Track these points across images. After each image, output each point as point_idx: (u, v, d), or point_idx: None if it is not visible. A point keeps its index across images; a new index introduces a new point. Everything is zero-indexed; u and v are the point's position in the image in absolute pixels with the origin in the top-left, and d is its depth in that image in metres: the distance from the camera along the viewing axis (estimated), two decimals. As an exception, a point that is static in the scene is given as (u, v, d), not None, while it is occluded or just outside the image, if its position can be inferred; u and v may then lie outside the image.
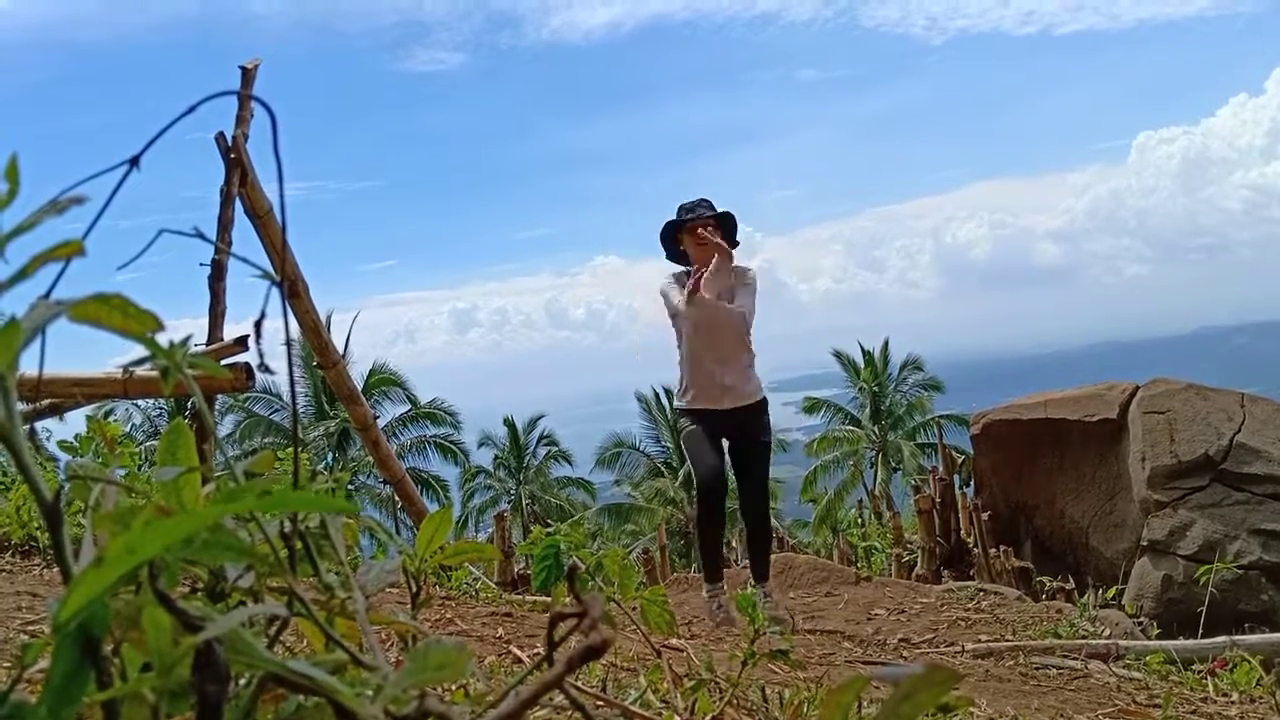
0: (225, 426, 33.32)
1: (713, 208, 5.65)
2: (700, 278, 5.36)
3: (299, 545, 0.82)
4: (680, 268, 5.76)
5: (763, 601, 5.69)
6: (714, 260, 5.42)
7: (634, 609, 1.83)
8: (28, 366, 0.69)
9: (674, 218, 5.72)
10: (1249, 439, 9.99)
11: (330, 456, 31.99)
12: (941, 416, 34.39)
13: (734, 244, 5.70)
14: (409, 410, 36.66)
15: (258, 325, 0.85)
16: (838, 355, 40.80)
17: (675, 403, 5.87)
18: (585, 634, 0.67)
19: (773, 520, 6.13)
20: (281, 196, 0.93)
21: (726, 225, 5.67)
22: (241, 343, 4.83)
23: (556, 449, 40.91)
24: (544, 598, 4.91)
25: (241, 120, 5.58)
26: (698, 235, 5.54)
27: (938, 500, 12.64)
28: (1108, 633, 5.53)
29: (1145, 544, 10.08)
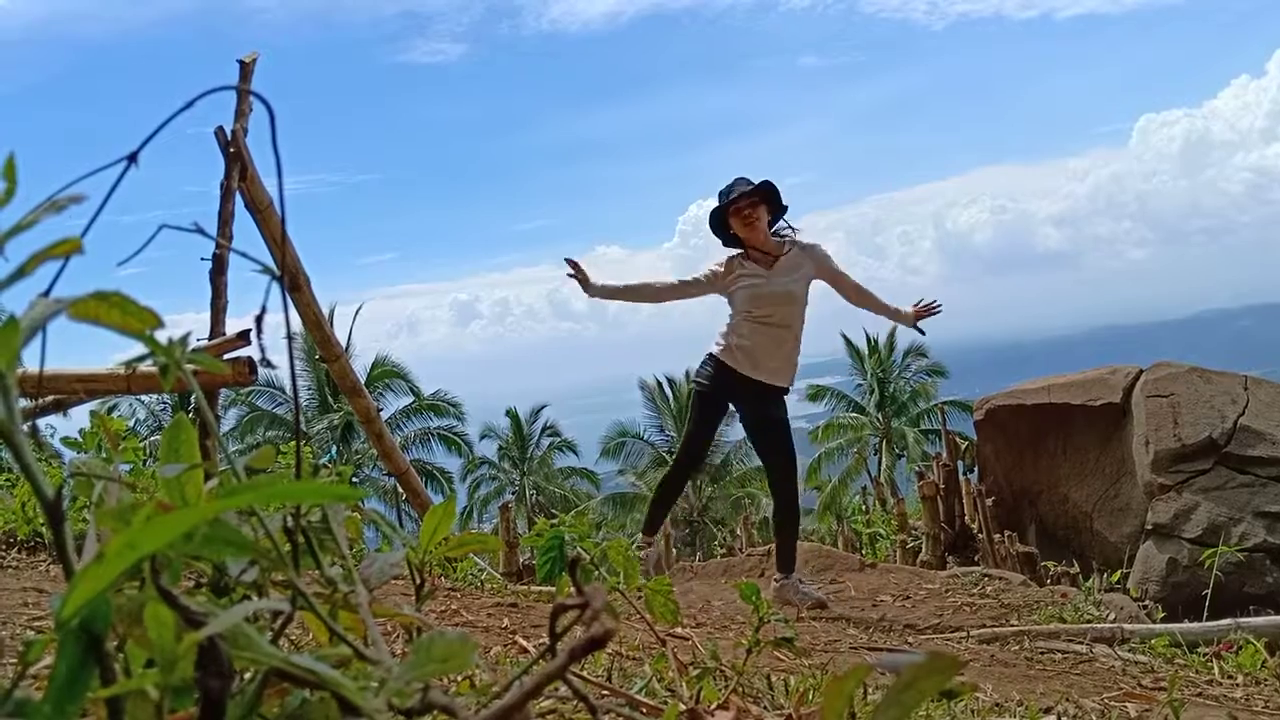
0: (229, 421, 33.38)
1: (750, 183, 5.66)
2: None
3: (301, 539, 0.83)
4: (735, 250, 5.79)
5: (799, 588, 5.75)
6: None
7: (638, 598, 1.84)
8: (30, 363, 0.69)
9: (718, 204, 5.76)
10: (1253, 421, 9.98)
11: (334, 450, 32.03)
12: (945, 402, 34.38)
13: (782, 208, 5.78)
14: (412, 402, 36.73)
15: (259, 319, 0.85)
16: (846, 340, 40.82)
17: (711, 348, 5.84)
18: (588, 625, 0.68)
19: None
20: (281, 190, 0.93)
21: (768, 195, 5.70)
22: (244, 337, 4.83)
23: (560, 439, 40.98)
24: (549, 588, 4.92)
25: (240, 114, 5.57)
26: (743, 216, 5.61)
27: (942, 486, 12.64)
28: (1112, 616, 5.53)
29: (1150, 527, 10.08)
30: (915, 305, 6.00)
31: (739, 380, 5.70)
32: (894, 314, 6.05)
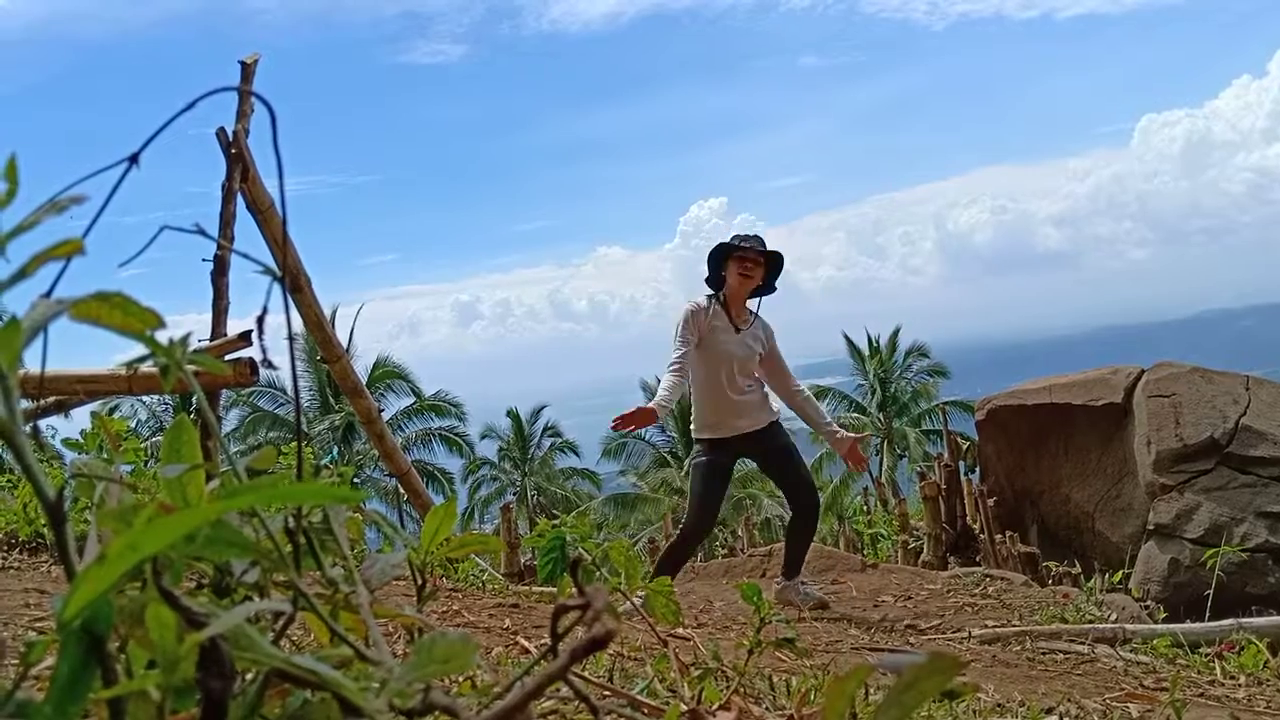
0: (230, 421, 33.40)
1: (764, 244, 5.69)
2: None
3: (303, 540, 0.83)
4: (706, 295, 5.77)
5: (800, 588, 5.76)
6: None
7: (640, 599, 1.84)
8: (32, 364, 0.69)
9: (728, 242, 5.76)
10: (1254, 422, 9.97)
11: (335, 450, 32.03)
12: (946, 403, 34.35)
13: (772, 287, 5.82)
14: (413, 403, 36.73)
15: (260, 320, 0.85)
16: (848, 340, 40.86)
17: (694, 431, 5.86)
18: (590, 625, 0.68)
19: (782, 510, 6.16)
20: (282, 191, 0.93)
21: (772, 263, 5.75)
22: (245, 338, 4.83)
23: (562, 440, 40.96)
24: (550, 589, 4.92)
25: (242, 115, 5.57)
26: (745, 266, 5.61)
27: (943, 486, 12.63)
28: (1114, 617, 5.53)
29: (1151, 528, 10.07)
30: (855, 435, 5.98)
31: (737, 442, 5.73)
32: (827, 433, 6.00)
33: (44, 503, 0.66)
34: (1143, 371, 11.18)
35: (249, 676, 0.73)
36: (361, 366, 32.52)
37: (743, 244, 5.67)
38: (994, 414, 12.34)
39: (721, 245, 5.76)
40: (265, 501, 0.67)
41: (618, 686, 1.67)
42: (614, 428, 5.44)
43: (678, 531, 5.97)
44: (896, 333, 40.91)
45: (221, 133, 5.49)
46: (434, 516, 1.20)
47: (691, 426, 5.90)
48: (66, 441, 5.58)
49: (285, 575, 0.79)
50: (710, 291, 5.79)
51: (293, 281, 5.85)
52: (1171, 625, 5.14)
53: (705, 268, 5.85)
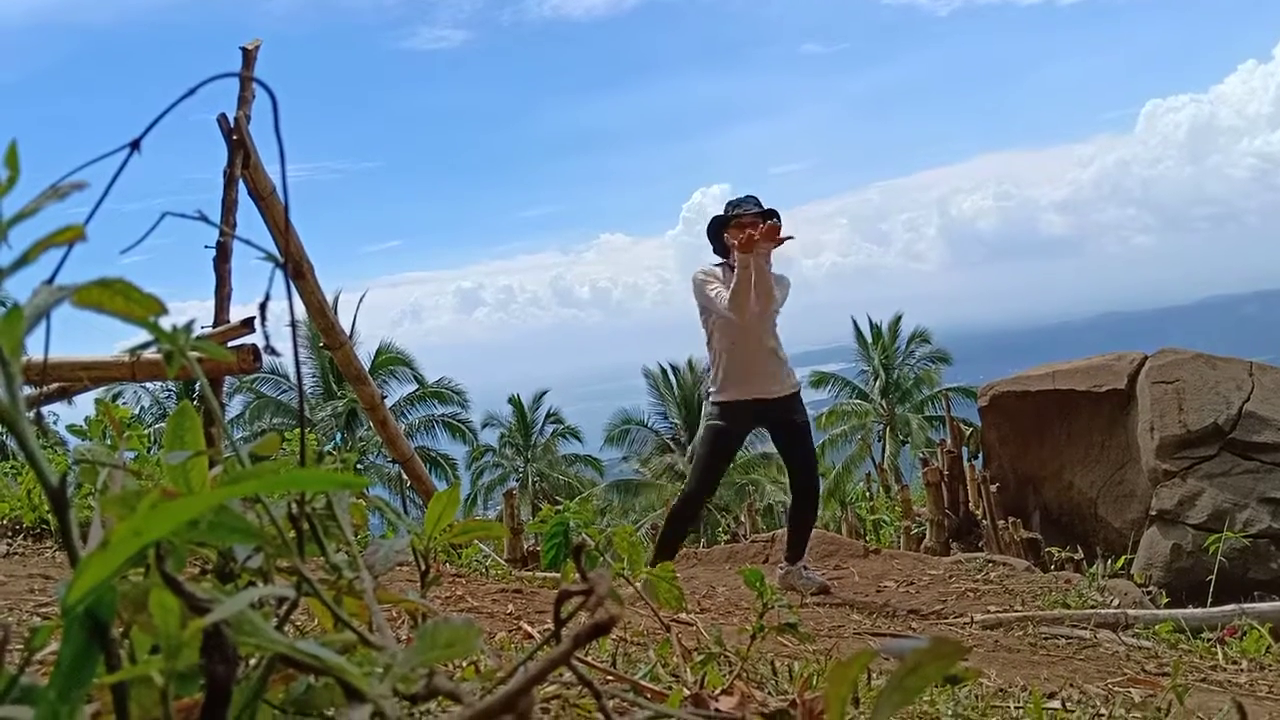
0: (234, 407, 33.44)
1: (759, 204, 5.70)
2: (752, 240, 5.27)
3: (306, 526, 0.83)
4: (718, 260, 5.80)
5: (803, 574, 5.79)
6: (763, 244, 5.36)
7: (643, 584, 1.84)
8: (34, 350, 0.69)
9: (723, 213, 5.77)
10: (1258, 407, 9.96)
11: (338, 436, 32.08)
12: (949, 389, 34.30)
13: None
14: (416, 389, 36.75)
15: (263, 307, 0.85)
16: (854, 325, 40.86)
17: (709, 393, 5.88)
18: (593, 611, 0.68)
19: (785, 496, 6.19)
20: (284, 178, 0.92)
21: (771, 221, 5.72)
22: (248, 324, 4.83)
23: (564, 426, 40.99)
24: (554, 574, 4.93)
25: (243, 101, 5.56)
26: (744, 230, 5.55)
27: (946, 473, 12.63)
28: (1117, 602, 5.54)
29: (1154, 514, 10.07)
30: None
31: (755, 406, 5.73)
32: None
33: (47, 489, 0.66)
34: (1146, 358, 11.17)
35: (253, 662, 0.73)
36: (364, 353, 32.53)
37: (738, 209, 5.68)
38: (997, 400, 12.33)
39: (718, 217, 5.78)
40: (269, 488, 0.67)
41: (621, 671, 1.68)
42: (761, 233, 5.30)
43: (679, 495, 6.02)
44: (898, 320, 40.82)
45: (223, 119, 5.48)
46: (437, 502, 1.20)
47: (710, 389, 5.91)
48: (70, 428, 5.59)
49: (289, 561, 0.79)
50: (719, 261, 5.79)
51: (295, 268, 5.85)
52: (1174, 610, 5.15)
53: (709, 254, 5.85)
